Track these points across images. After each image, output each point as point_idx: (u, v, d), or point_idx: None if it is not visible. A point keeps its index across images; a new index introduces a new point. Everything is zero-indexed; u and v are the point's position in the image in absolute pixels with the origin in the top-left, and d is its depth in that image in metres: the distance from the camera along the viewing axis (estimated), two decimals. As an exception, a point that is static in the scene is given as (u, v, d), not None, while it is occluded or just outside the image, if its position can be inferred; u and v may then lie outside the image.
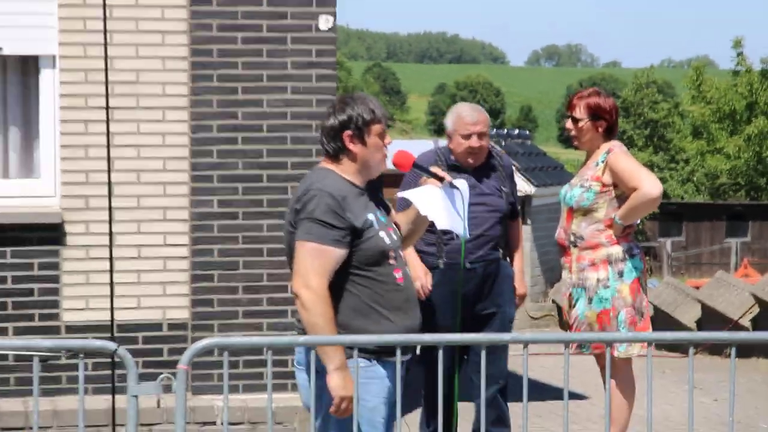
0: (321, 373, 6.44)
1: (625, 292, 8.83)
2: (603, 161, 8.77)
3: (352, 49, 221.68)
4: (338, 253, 6.44)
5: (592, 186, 8.70)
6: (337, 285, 6.51)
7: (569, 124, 8.98)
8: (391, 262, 6.62)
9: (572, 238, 8.76)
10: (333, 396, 6.39)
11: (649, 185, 8.54)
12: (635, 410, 9.07)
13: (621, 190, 8.64)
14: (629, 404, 8.91)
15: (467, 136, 8.85)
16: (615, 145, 8.87)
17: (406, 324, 6.65)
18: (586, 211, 8.74)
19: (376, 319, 6.57)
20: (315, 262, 6.43)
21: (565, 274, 8.91)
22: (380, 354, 6.54)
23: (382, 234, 6.59)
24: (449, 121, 8.98)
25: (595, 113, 8.87)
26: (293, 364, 9.59)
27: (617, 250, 8.80)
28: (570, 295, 8.84)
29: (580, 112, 8.89)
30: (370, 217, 6.58)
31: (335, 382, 6.36)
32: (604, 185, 8.71)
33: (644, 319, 8.95)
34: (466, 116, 8.94)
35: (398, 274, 6.64)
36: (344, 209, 6.47)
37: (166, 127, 9.60)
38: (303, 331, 6.59)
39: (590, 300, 8.78)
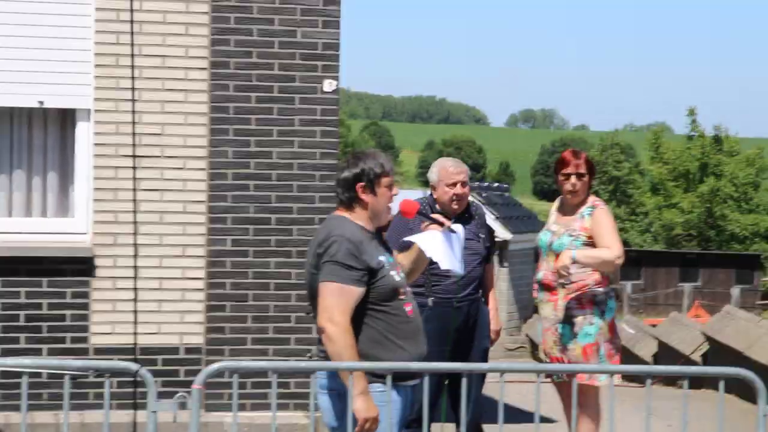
0: (344, 396, 6.43)
1: (605, 329, 8.83)
2: (589, 214, 8.77)
3: (352, 109, 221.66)
4: (358, 292, 6.44)
5: (580, 236, 8.71)
6: (356, 319, 6.51)
7: (575, 180, 8.80)
8: (402, 297, 6.63)
9: (561, 280, 8.76)
10: (358, 417, 6.36)
11: (617, 250, 8.58)
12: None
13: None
14: (596, 429, 8.88)
15: (452, 185, 8.85)
16: (597, 200, 8.90)
17: (417, 351, 6.68)
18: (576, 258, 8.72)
19: (392, 348, 6.57)
20: (338, 300, 6.42)
21: (548, 311, 8.87)
22: (394, 380, 6.51)
23: (392, 273, 6.61)
24: (434, 174, 8.96)
25: (590, 168, 8.90)
26: (296, 386, 9.62)
27: (600, 292, 8.80)
28: (556, 329, 8.84)
29: (583, 168, 8.83)
30: (382, 258, 6.59)
31: (359, 405, 6.35)
32: (590, 236, 8.72)
33: (617, 354, 8.98)
34: (450, 167, 8.95)
35: (408, 308, 6.66)
36: (361, 252, 6.47)
37: (187, 174, 9.59)
38: (326, 359, 6.56)
39: (575, 335, 8.77)
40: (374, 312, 6.56)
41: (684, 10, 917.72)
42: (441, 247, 7.02)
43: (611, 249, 8.61)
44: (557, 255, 8.75)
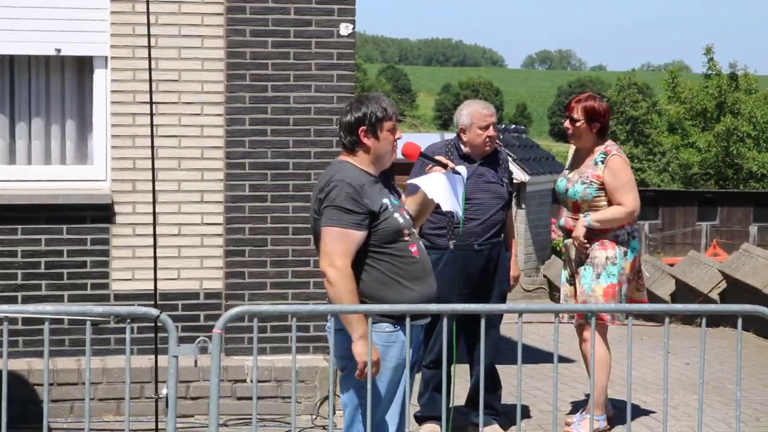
0: (347, 337, 6.49)
1: (628, 269, 8.88)
2: (602, 161, 8.80)
3: (368, 53, 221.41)
4: (358, 235, 6.47)
5: (593, 183, 8.79)
6: (362, 262, 6.56)
7: (567, 123, 9.07)
8: (406, 238, 6.67)
9: (581, 253, 8.85)
10: (358, 361, 6.40)
11: (631, 205, 8.73)
12: (617, 372, 9.06)
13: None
14: (608, 366, 8.93)
15: (485, 127, 8.83)
16: (612, 146, 8.95)
17: (424, 291, 6.70)
18: (591, 204, 8.80)
19: (398, 288, 6.60)
20: (339, 244, 6.46)
21: (573, 253, 8.94)
22: (401, 319, 6.54)
23: (396, 215, 6.64)
24: (465, 117, 8.87)
25: (591, 116, 8.93)
26: (315, 329, 9.65)
27: (623, 232, 8.85)
28: (578, 269, 8.89)
29: (578, 114, 8.96)
30: (385, 201, 6.62)
31: (359, 349, 6.41)
32: (602, 183, 8.77)
33: (643, 294, 9.04)
34: (482, 110, 8.91)
35: (413, 248, 6.70)
36: (362, 196, 6.50)
37: (204, 120, 9.59)
38: (330, 303, 6.61)
39: (598, 275, 8.80)
40: (379, 254, 6.61)
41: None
42: (443, 189, 7.02)
43: (625, 205, 8.72)
44: (574, 202, 8.83)
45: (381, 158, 6.75)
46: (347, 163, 6.71)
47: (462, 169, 7.24)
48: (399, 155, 7.00)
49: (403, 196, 6.99)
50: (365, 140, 6.68)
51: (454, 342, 8.62)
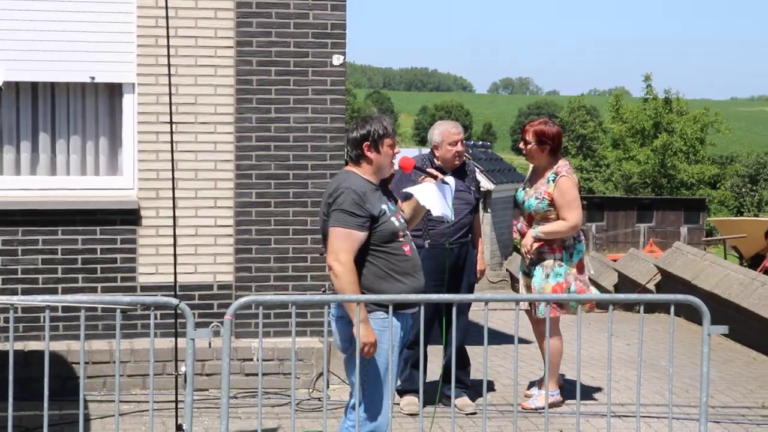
0: (351, 322, 6.50)
1: (574, 270, 8.89)
2: (553, 180, 8.84)
3: (357, 79, 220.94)
4: (361, 236, 6.49)
5: (545, 198, 8.82)
6: (362, 258, 6.57)
7: (522, 144, 9.08)
8: (401, 239, 6.70)
9: (528, 256, 8.92)
10: (360, 342, 6.43)
11: (573, 221, 8.77)
12: (569, 352, 9.06)
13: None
14: (560, 348, 8.95)
15: (454, 143, 8.84)
16: (563, 167, 8.95)
17: (414, 285, 6.73)
18: (543, 215, 8.84)
19: (392, 282, 6.62)
20: (344, 242, 6.48)
21: (523, 254, 9.01)
22: (398, 308, 6.57)
23: (392, 219, 6.66)
24: (437, 135, 8.88)
25: (540, 139, 8.94)
26: (311, 316, 9.64)
27: (569, 238, 8.88)
28: (528, 270, 8.94)
29: (529, 136, 9.00)
30: (384, 207, 6.64)
31: (360, 333, 6.40)
32: (552, 199, 8.82)
33: (589, 289, 9.05)
34: (451, 129, 8.91)
35: (406, 248, 6.73)
36: (365, 202, 6.53)
37: (217, 138, 9.57)
38: (333, 292, 6.65)
39: (547, 275, 8.82)
40: (377, 252, 6.61)
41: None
42: (434, 197, 7.06)
43: (567, 220, 8.79)
44: (529, 213, 8.91)
45: (381, 169, 6.76)
46: (353, 173, 6.72)
47: (450, 179, 7.28)
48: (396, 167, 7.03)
49: (399, 202, 7.00)
50: (368, 154, 6.70)
51: (443, 327, 8.63)
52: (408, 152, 9.15)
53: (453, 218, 7.52)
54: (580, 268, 8.92)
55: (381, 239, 6.62)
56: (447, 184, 7.19)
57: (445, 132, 8.88)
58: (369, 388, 6.59)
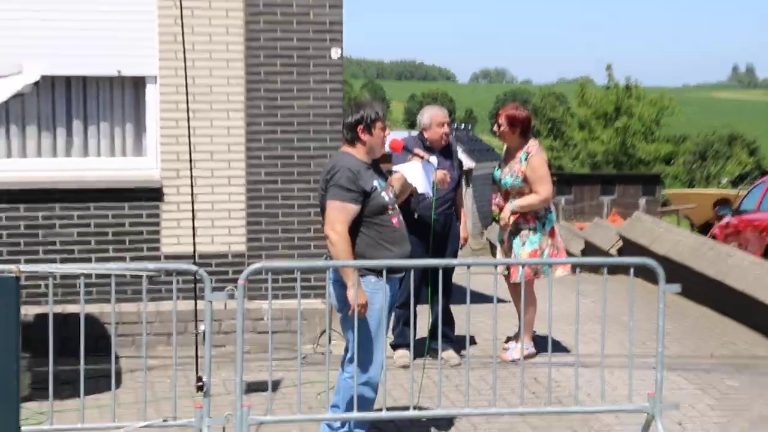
0: (345, 286, 6.52)
1: (547, 237, 8.91)
2: (525, 159, 8.85)
3: (353, 71, 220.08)
4: (354, 208, 6.50)
5: (518, 176, 8.83)
6: (356, 229, 6.59)
7: (495, 127, 9.10)
8: (390, 212, 6.71)
9: (506, 228, 8.94)
10: (351, 303, 6.43)
11: (544, 194, 8.77)
12: (542, 308, 9.07)
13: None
14: (534, 306, 8.96)
15: (441, 125, 8.83)
16: (533, 147, 8.95)
17: (401, 252, 6.74)
18: (517, 191, 8.84)
19: (382, 249, 6.64)
20: (339, 214, 6.49)
21: (502, 225, 9.05)
22: (388, 272, 6.60)
23: (383, 194, 6.67)
24: (426, 118, 8.87)
25: (511, 122, 8.95)
26: (315, 280, 9.63)
27: (542, 209, 8.90)
28: (506, 239, 8.95)
29: (501, 120, 9.00)
30: (375, 183, 6.65)
31: (352, 295, 6.43)
32: (525, 176, 8.82)
33: (560, 252, 9.07)
34: (439, 113, 8.93)
35: (395, 220, 6.75)
36: (358, 179, 6.53)
37: (230, 123, 9.56)
38: (330, 259, 6.62)
39: (523, 243, 8.84)
40: (368, 223, 6.62)
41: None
42: (418, 175, 7.07)
43: (539, 194, 8.81)
44: (505, 191, 8.92)
45: (373, 150, 6.76)
46: (348, 154, 6.72)
47: (433, 158, 7.30)
48: (386, 148, 7.03)
49: (389, 179, 6.99)
50: (362, 136, 6.69)
51: (430, 289, 8.62)
52: (398, 134, 9.13)
53: (434, 195, 7.51)
54: (553, 235, 8.94)
55: (372, 212, 6.63)
56: (431, 163, 7.21)
57: (433, 116, 8.88)
58: (361, 345, 6.59)
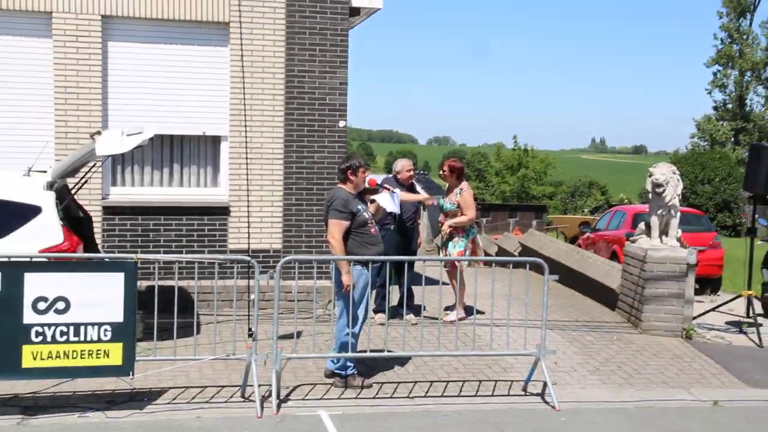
0: (339, 273, 6.50)
1: (470, 242, 8.90)
2: (459, 193, 8.84)
3: (352, 135, 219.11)
4: (346, 224, 6.51)
5: (454, 203, 8.81)
6: (348, 236, 6.59)
7: (441, 172, 9.10)
8: (369, 225, 6.71)
9: (445, 236, 8.90)
10: (344, 284, 6.41)
11: (470, 216, 8.76)
12: (470, 290, 9.07)
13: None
14: (464, 287, 8.93)
15: (409, 171, 8.87)
16: (465, 185, 8.96)
17: (377, 251, 6.74)
18: (453, 213, 8.81)
19: (365, 249, 6.63)
20: (336, 227, 6.49)
21: (443, 235, 9.01)
22: (366, 264, 6.55)
23: (365, 214, 6.66)
24: (399, 166, 8.99)
25: (452, 169, 8.94)
26: (325, 268, 9.53)
27: (468, 226, 8.88)
28: (445, 243, 8.92)
29: (446, 167, 8.99)
30: (359, 207, 6.64)
31: (344, 279, 6.42)
32: (459, 205, 8.80)
33: (479, 253, 9.04)
34: (407, 163, 9.00)
35: (372, 230, 6.75)
36: (348, 204, 6.53)
37: (273, 167, 9.50)
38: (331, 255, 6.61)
39: (455, 245, 8.83)
40: (355, 232, 6.63)
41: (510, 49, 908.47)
42: (388, 200, 7.09)
43: (467, 215, 8.79)
44: (446, 213, 8.90)
45: (358, 186, 6.76)
46: (341, 188, 6.73)
47: (397, 191, 7.31)
48: (366, 184, 7.02)
49: (368, 204, 7.00)
50: (350, 177, 6.70)
51: (397, 276, 8.58)
52: (375, 176, 9.18)
53: (399, 212, 7.57)
54: (474, 242, 8.95)
55: (358, 225, 6.64)
56: (395, 193, 7.25)
57: (403, 164, 8.95)
58: (347, 309, 6.60)
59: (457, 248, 8.83)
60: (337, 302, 6.79)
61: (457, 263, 8.12)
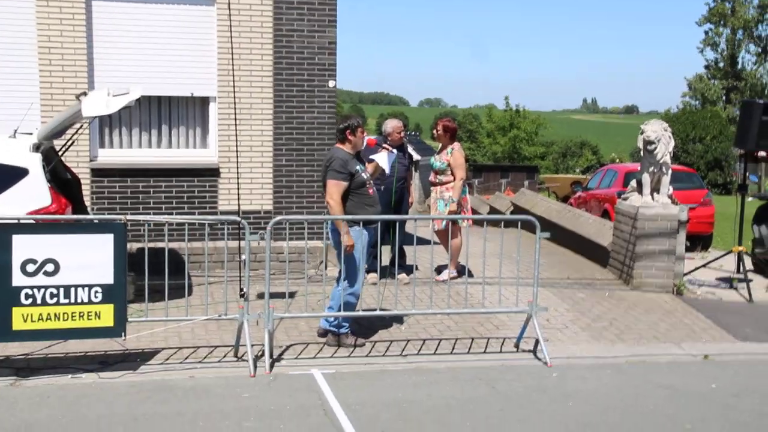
0: (338, 233, 6.48)
1: (461, 201, 8.87)
2: (450, 153, 8.79)
3: (343, 98, 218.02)
4: (344, 184, 6.49)
5: (444, 162, 8.74)
6: (347, 197, 6.54)
7: (434, 131, 9.01)
8: (367, 186, 6.68)
9: (437, 180, 8.85)
10: (344, 244, 6.40)
11: (460, 175, 8.77)
12: (463, 249, 9.07)
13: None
14: (458, 246, 8.93)
15: (399, 131, 8.81)
16: (456, 146, 8.90)
17: (375, 211, 6.69)
18: (443, 171, 8.76)
19: (363, 209, 6.59)
20: (335, 188, 6.46)
21: (433, 194, 8.97)
22: (365, 224, 6.55)
23: (363, 174, 6.64)
24: (389, 127, 8.93)
25: (445, 129, 8.87)
26: (317, 229, 9.52)
27: (459, 183, 8.85)
28: (435, 201, 8.88)
29: (439, 127, 8.91)
30: (358, 167, 6.61)
31: (345, 239, 6.40)
32: (449, 163, 8.75)
33: (468, 212, 9.03)
34: (397, 123, 8.95)
35: (371, 191, 6.73)
36: (346, 165, 6.50)
37: (263, 128, 9.43)
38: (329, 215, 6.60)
39: (446, 204, 8.80)
40: (354, 193, 6.59)
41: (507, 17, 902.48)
42: (385, 160, 7.04)
43: (457, 176, 8.80)
44: (436, 172, 8.86)
45: (356, 146, 6.72)
46: (339, 148, 6.68)
47: (394, 151, 7.29)
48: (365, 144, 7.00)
49: (366, 164, 6.96)
50: (349, 137, 6.66)
51: (392, 235, 8.59)
52: (371, 137, 9.10)
53: (389, 172, 7.56)
54: (466, 201, 8.93)
55: (356, 186, 6.59)
56: (393, 153, 7.20)
57: (394, 126, 8.89)
58: (349, 270, 6.58)
59: (448, 207, 8.81)
60: (338, 262, 6.79)
61: (451, 222, 8.10)
